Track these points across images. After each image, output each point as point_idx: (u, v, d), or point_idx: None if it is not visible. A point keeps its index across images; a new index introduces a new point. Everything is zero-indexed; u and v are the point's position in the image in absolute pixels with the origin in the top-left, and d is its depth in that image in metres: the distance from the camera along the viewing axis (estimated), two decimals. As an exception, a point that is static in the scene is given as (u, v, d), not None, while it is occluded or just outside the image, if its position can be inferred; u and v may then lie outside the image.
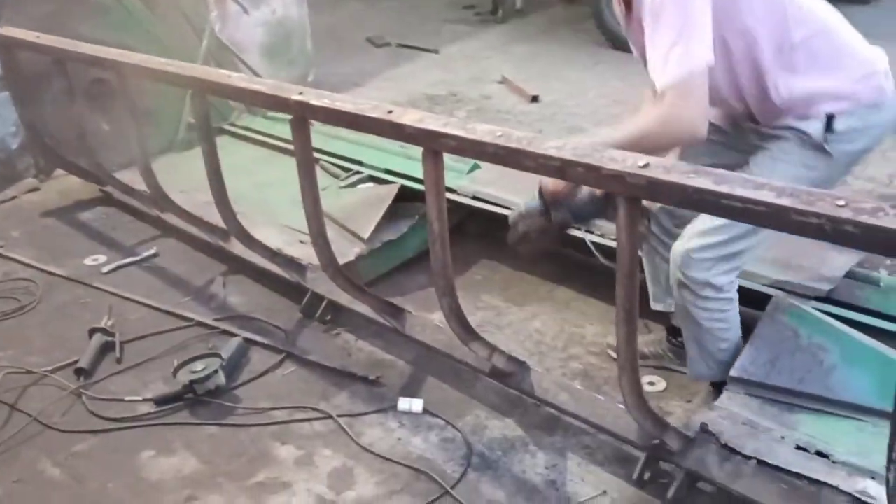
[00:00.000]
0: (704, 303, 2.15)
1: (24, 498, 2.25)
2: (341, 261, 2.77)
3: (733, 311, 2.21)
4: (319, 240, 2.59)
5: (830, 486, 1.87)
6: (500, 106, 5.52)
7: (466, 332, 2.34)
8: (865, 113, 2.00)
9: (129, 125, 3.20)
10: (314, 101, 2.20)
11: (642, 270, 2.48)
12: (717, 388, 2.31)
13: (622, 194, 1.60)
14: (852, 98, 1.99)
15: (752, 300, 2.38)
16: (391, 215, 3.27)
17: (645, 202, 1.74)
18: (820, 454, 1.95)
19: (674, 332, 2.57)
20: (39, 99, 3.92)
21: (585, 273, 3.14)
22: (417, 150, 2.00)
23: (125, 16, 4.38)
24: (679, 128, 1.85)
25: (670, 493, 2.05)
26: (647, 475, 2.13)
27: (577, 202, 2.09)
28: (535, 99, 5.53)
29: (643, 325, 2.67)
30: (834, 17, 2.04)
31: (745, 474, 1.95)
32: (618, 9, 2.09)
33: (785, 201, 1.32)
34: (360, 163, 3.83)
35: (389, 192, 3.39)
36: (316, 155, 2.82)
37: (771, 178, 1.70)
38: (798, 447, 1.98)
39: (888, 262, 2.97)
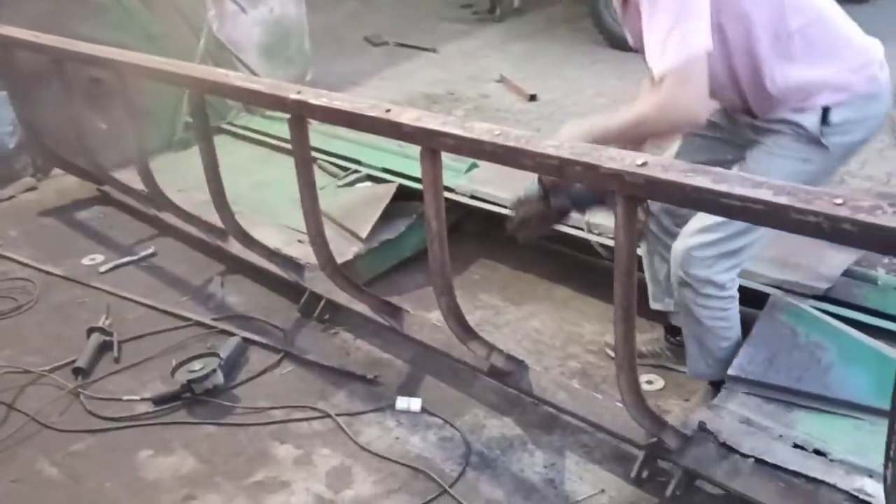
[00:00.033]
0: (706, 301, 2.15)
1: (22, 497, 2.24)
2: (339, 260, 2.77)
3: (734, 309, 2.21)
4: (317, 239, 2.59)
5: (828, 485, 1.87)
6: (498, 105, 5.52)
7: (464, 331, 2.34)
8: (861, 104, 1.99)
9: (127, 124, 3.19)
10: (312, 100, 2.20)
11: (641, 270, 2.48)
12: (715, 386, 2.31)
13: (620, 193, 1.59)
14: (848, 89, 1.97)
15: (750, 299, 2.37)
16: (389, 214, 3.26)
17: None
18: (817, 452, 1.96)
19: (672, 331, 2.57)
20: (37, 98, 3.91)
21: (584, 272, 3.15)
22: (415, 149, 2.00)
23: (123, 15, 4.38)
24: (677, 114, 1.85)
25: (668, 491, 2.05)
26: (645, 474, 2.14)
27: (576, 188, 2.09)
28: (533, 98, 5.53)
29: (649, 325, 2.67)
30: (831, 6, 2.03)
31: (742, 472, 1.95)
32: None
33: (783, 200, 1.32)
34: (358, 162, 3.82)
35: (387, 191, 3.38)
36: (314, 154, 2.82)
37: (768, 172, 1.70)
38: (796, 445, 1.99)
39: (886, 260, 2.97)
